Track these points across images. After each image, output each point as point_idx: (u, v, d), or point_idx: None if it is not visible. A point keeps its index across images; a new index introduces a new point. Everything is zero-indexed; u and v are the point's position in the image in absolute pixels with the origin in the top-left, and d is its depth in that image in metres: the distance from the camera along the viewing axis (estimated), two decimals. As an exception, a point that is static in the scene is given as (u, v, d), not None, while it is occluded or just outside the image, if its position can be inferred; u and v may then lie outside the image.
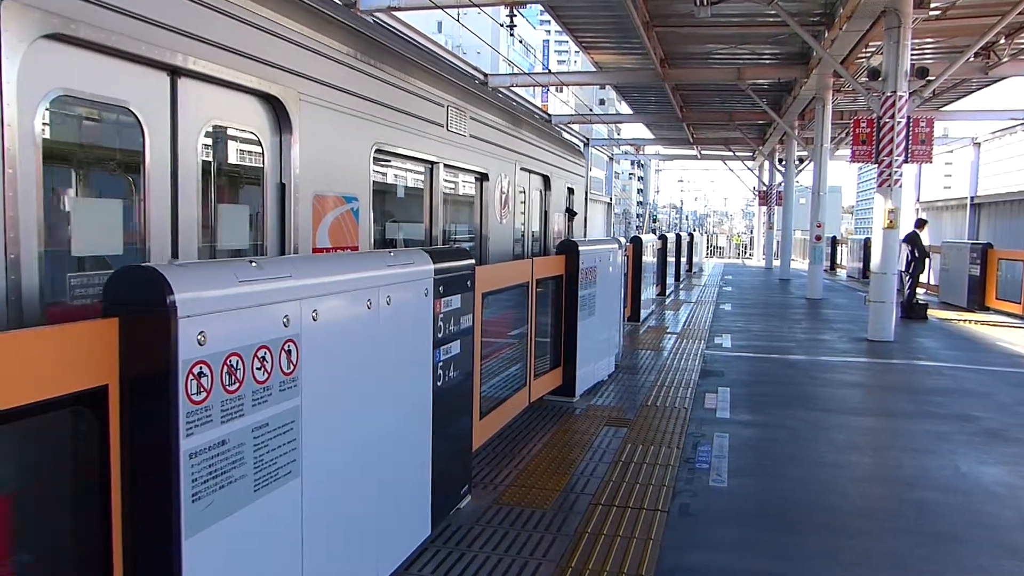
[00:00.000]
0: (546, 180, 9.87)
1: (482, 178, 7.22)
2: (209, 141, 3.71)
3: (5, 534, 2.09)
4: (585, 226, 28.98)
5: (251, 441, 2.23)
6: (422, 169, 6.09)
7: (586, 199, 29.47)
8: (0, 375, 1.68)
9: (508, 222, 7.94)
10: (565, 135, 18.69)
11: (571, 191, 11.34)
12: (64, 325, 1.90)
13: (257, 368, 2.24)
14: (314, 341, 2.52)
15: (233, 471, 2.16)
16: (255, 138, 3.96)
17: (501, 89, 16.59)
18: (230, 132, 3.96)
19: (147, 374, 1.96)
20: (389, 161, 5.72)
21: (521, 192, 8.69)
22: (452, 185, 7.00)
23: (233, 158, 4.10)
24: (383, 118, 5.03)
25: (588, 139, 31.25)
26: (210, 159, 3.78)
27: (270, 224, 4.02)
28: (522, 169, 8.43)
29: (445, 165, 6.19)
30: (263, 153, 3.98)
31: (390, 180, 6.11)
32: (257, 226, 4.03)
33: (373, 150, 4.92)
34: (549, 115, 23.99)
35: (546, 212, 10.09)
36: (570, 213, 11.17)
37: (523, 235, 9.04)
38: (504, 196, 7.77)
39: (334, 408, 2.70)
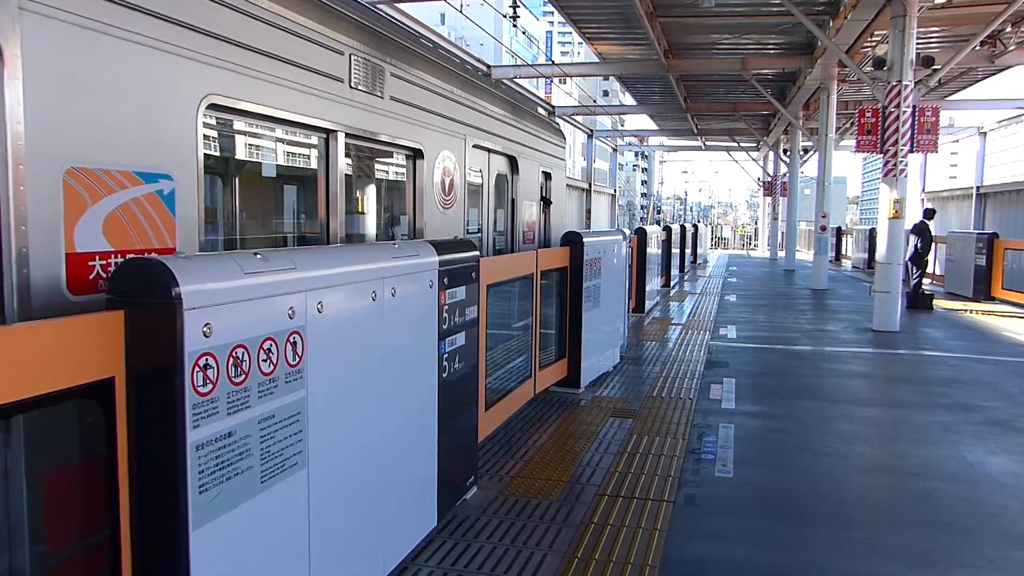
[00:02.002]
0: (512, 162, 8.11)
1: (415, 155, 5.68)
2: None
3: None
4: (589, 218, 28.96)
5: (257, 433, 2.24)
6: (312, 140, 4.59)
7: (589, 191, 29.46)
8: (7, 368, 1.69)
9: (455, 213, 6.45)
10: (541, 110, 16.26)
11: (548, 176, 9.51)
12: (70, 318, 1.90)
13: (263, 360, 2.25)
14: (319, 333, 2.52)
15: (240, 463, 2.16)
16: None
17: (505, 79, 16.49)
18: None
19: (153, 366, 1.97)
20: (240, 125, 4.19)
21: (475, 176, 7.14)
22: (367, 164, 5.67)
23: None
24: (223, 58, 3.36)
25: (592, 130, 31.21)
26: None
27: None
28: (476, 147, 6.83)
29: (349, 135, 4.65)
30: None
31: (242, 153, 4.53)
32: None
33: (203, 105, 3.26)
34: (552, 107, 23.94)
35: (513, 201, 8.32)
36: (545, 202, 9.62)
37: (480, 228, 7.52)
38: (448, 180, 6.21)
39: (340, 400, 2.71)
